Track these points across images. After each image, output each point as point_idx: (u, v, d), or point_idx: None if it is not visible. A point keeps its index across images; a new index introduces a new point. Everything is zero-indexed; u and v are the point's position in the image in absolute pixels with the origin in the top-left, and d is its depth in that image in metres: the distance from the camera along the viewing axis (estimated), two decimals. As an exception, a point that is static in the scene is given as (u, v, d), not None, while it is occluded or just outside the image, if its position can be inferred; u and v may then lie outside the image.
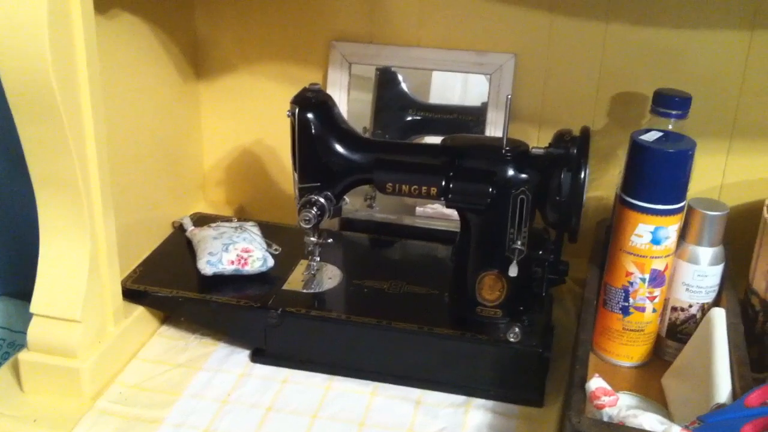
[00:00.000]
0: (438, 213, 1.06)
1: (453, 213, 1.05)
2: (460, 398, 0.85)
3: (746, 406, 0.66)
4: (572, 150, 0.78)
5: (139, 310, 0.92)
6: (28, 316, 0.84)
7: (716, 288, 0.85)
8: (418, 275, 0.96)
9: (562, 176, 0.79)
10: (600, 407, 0.67)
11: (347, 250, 1.05)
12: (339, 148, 0.86)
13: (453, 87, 1.05)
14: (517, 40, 1.00)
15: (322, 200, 0.86)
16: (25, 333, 0.85)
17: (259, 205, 1.17)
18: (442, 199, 0.83)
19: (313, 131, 0.85)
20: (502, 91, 1.00)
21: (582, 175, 0.78)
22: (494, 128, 1.01)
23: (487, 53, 1.01)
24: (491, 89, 1.01)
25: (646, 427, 0.65)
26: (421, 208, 1.07)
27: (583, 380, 0.70)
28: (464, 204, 0.84)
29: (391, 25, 1.03)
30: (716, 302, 0.85)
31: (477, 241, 0.85)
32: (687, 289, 0.85)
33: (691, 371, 0.79)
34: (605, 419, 0.67)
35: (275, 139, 1.12)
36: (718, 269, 0.84)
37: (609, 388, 0.69)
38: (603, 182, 1.00)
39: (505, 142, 0.82)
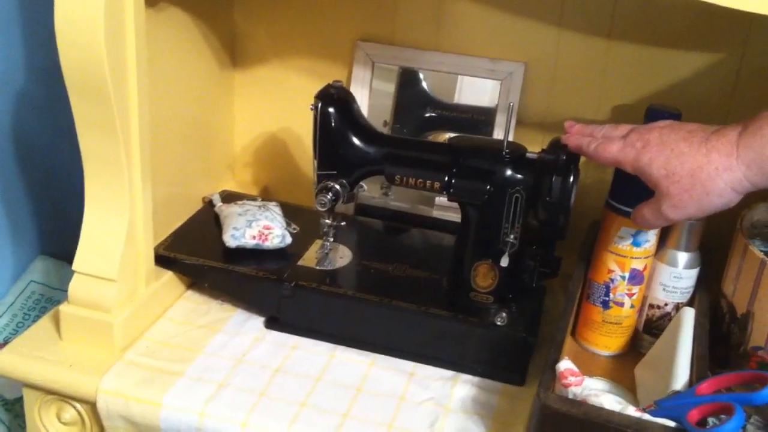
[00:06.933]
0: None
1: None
2: (449, 373, 0.90)
3: (697, 394, 0.73)
4: (562, 156, 0.84)
5: (168, 275, 0.98)
6: (64, 275, 0.88)
7: (691, 289, 0.91)
8: (422, 260, 1.02)
9: (553, 179, 0.84)
10: (566, 386, 0.74)
11: (360, 233, 1.10)
12: (355, 141, 0.92)
13: (468, 89, 1.10)
14: (527, 50, 1.05)
15: (337, 187, 0.93)
16: (61, 290, 0.88)
17: (283, 187, 1.22)
18: (444, 193, 0.90)
19: (332, 124, 0.91)
20: (512, 97, 1.05)
21: (570, 180, 0.84)
22: (502, 130, 1.05)
23: (499, 61, 1.06)
24: (501, 94, 1.06)
25: (606, 406, 0.71)
26: (442, 198, 1.09)
27: (555, 362, 0.77)
28: (464, 199, 0.90)
29: (412, 30, 1.09)
30: (690, 302, 0.91)
31: (475, 233, 0.91)
32: (664, 289, 0.91)
33: (659, 363, 0.85)
34: (570, 397, 0.73)
35: (300, 127, 1.17)
36: (694, 272, 0.91)
37: (576, 369, 0.75)
38: (600, 187, 1.03)
39: (505, 145, 0.87)
